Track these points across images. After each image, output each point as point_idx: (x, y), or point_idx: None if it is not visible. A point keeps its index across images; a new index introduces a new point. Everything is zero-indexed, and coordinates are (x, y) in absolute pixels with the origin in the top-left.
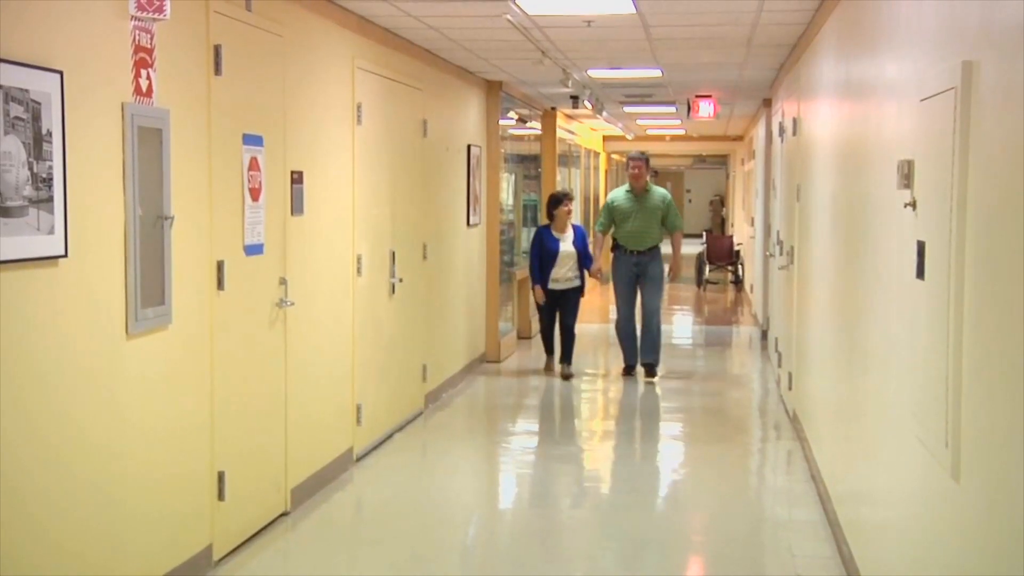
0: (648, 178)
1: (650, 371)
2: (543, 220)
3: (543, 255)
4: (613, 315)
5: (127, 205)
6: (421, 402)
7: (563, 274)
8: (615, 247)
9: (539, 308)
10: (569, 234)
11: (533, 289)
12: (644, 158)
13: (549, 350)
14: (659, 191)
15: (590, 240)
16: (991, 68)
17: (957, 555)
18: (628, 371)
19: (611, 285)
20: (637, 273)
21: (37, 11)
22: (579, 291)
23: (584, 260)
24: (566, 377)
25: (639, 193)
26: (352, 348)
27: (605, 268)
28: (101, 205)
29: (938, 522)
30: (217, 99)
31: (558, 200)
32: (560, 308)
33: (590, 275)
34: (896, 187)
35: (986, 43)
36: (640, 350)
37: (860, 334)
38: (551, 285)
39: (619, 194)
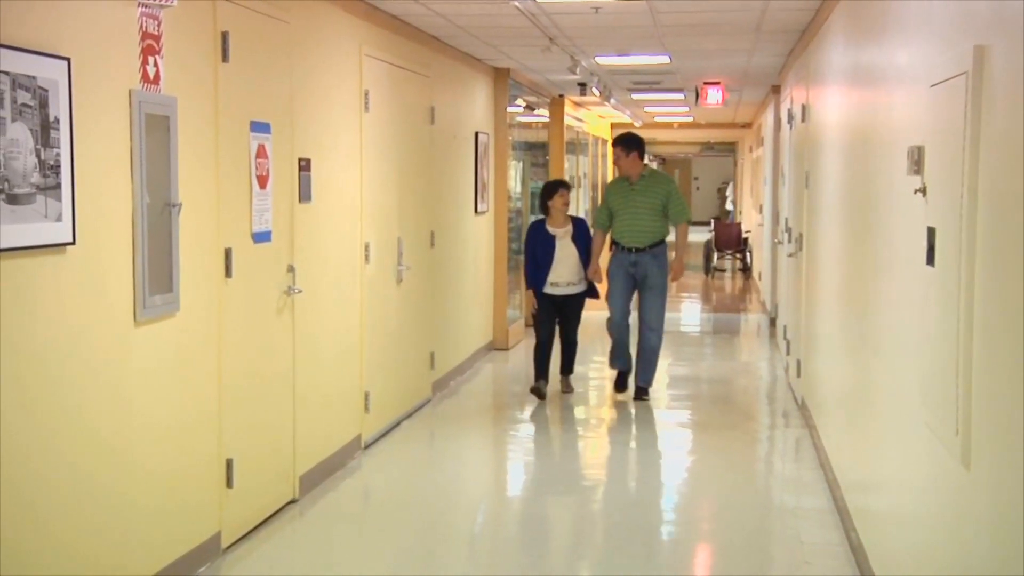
0: (645, 163)
1: (641, 393)
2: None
3: (538, 255)
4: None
5: (135, 192)
6: (429, 390)
7: (563, 276)
8: (613, 243)
9: (534, 318)
10: (568, 229)
11: (526, 295)
12: (628, 141)
13: (540, 371)
14: (661, 177)
15: None
16: (1003, 53)
17: (967, 542)
18: (620, 382)
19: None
20: (635, 275)
21: None
22: (582, 297)
23: (586, 260)
24: (565, 391)
25: (635, 181)
26: (360, 335)
27: (603, 269)
28: (109, 192)
29: (948, 509)
30: (224, 86)
31: (552, 189)
32: (561, 317)
33: (587, 278)
34: (906, 173)
35: (998, 27)
36: (635, 369)
37: (869, 321)
38: (549, 290)
39: (615, 183)
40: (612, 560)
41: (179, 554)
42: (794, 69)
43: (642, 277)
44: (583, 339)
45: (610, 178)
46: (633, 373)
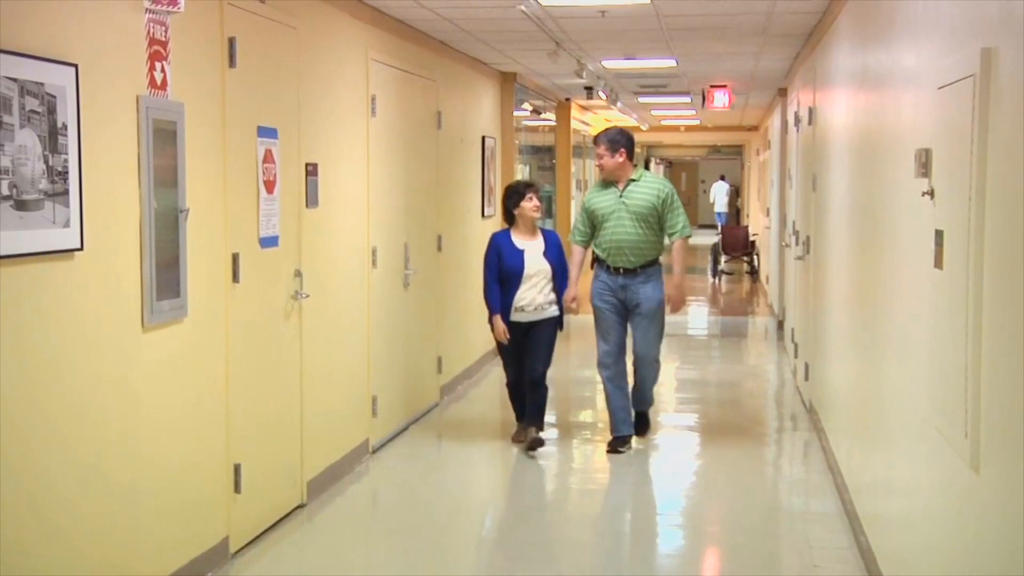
0: (634, 165)
1: (642, 422)
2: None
3: (502, 273)
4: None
5: (142, 198)
6: (436, 394)
7: (531, 299)
8: (596, 262)
9: (500, 350)
10: (537, 241)
11: (490, 322)
12: (613, 137)
13: (520, 412)
14: (653, 182)
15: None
16: (1010, 54)
17: (976, 546)
18: (617, 444)
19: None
20: (623, 301)
21: (52, 5)
22: (554, 324)
23: (560, 279)
24: (533, 446)
25: (623, 186)
26: (367, 340)
27: (584, 293)
28: (116, 198)
29: (957, 513)
30: (231, 92)
31: (518, 193)
32: (526, 349)
33: (565, 305)
34: (914, 176)
35: (1006, 29)
36: (631, 399)
37: (877, 324)
38: (514, 316)
39: (598, 188)
40: (620, 563)
41: (188, 559)
42: (801, 72)
43: (632, 301)
44: (575, 344)
45: None
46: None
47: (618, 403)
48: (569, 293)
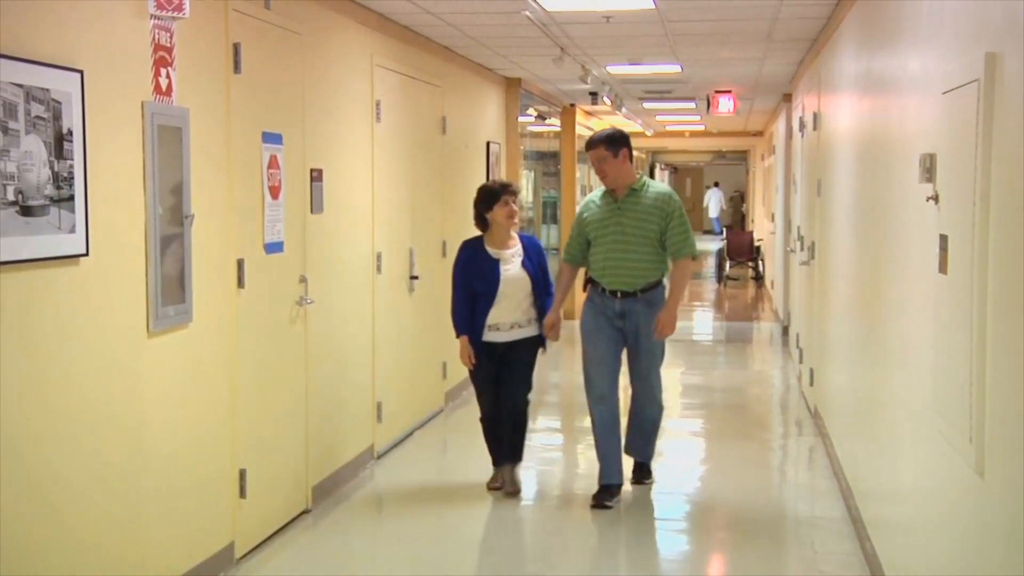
0: (639, 173)
1: (640, 473)
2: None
3: (476, 287)
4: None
5: (147, 204)
6: (441, 399)
7: (508, 316)
8: (588, 283)
9: (473, 377)
10: (514, 250)
11: (459, 343)
12: (611, 138)
13: (496, 454)
14: (657, 190)
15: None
16: (1015, 60)
17: (982, 552)
18: (604, 496)
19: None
20: (622, 329)
21: (58, 11)
22: (534, 345)
23: (542, 293)
24: (512, 492)
25: (621, 195)
26: (372, 346)
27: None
28: (122, 204)
29: (962, 518)
30: (236, 97)
31: (493, 194)
32: (504, 372)
33: (544, 329)
34: (918, 181)
35: (1010, 34)
36: (626, 441)
37: (882, 329)
38: (488, 336)
39: (593, 199)
40: (623, 567)
41: (194, 563)
42: (805, 77)
43: (632, 332)
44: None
45: None
46: (624, 445)
47: (609, 447)
48: (549, 318)
